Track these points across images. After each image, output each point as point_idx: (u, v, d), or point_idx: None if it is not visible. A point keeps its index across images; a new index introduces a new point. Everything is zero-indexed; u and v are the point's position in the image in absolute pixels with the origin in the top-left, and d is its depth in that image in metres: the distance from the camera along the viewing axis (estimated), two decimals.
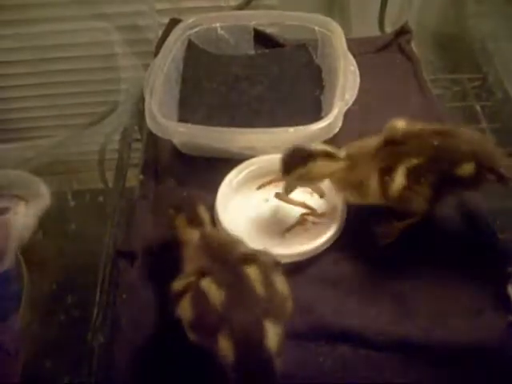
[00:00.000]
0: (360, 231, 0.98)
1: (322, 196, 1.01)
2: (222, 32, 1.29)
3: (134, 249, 0.97)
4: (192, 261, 0.81)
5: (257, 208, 1.03)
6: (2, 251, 1.03)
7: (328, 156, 0.91)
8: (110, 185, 1.22)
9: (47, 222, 1.12)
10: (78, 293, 1.06)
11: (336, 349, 0.85)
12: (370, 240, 0.96)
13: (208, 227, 0.87)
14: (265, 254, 0.80)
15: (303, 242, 0.95)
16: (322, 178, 0.94)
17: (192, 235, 0.85)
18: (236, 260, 0.78)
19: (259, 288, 0.75)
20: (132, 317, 0.89)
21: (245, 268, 0.76)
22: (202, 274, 0.76)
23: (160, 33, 1.36)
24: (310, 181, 0.94)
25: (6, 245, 1.02)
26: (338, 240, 0.96)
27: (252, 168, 1.05)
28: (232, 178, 1.03)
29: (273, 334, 0.72)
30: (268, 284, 0.75)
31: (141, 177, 1.10)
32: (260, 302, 0.74)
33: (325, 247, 0.94)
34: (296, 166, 0.89)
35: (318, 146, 0.92)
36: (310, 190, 1.04)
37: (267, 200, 1.04)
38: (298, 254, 0.93)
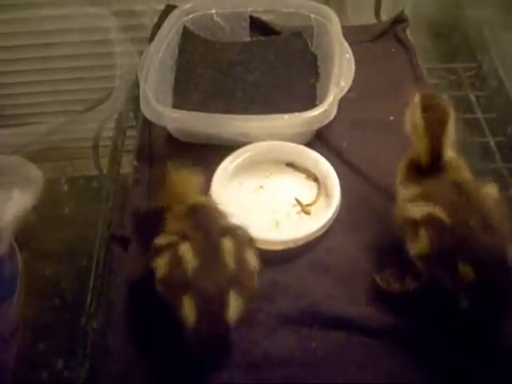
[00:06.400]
0: (353, 219, 0.98)
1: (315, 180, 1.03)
2: (218, 19, 1.28)
3: (127, 233, 0.97)
4: (177, 221, 0.87)
5: (251, 194, 1.04)
6: None
7: None
8: (105, 171, 1.22)
9: (42, 208, 1.12)
10: (71, 277, 1.07)
11: (329, 334, 0.86)
12: (363, 228, 0.97)
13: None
14: (242, 229, 0.85)
15: (296, 229, 0.96)
16: None
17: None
18: (216, 231, 0.83)
19: (229, 261, 0.80)
20: (126, 301, 0.89)
21: (222, 240, 0.82)
22: (184, 236, 0.82)
23: (155, 19, 1.35)
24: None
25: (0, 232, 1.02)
26: (331, 228, 0.96)
27: (247, 155, 1.05)
28: (227, 164, 1.03)
29: (235, 305, 0.78)
30: (239, 257, 0.81)
31: (135, 163, 1.10)
32: (227, 274, 0.79)
33: (318, 234, 0.95)
34: None
35: None
36: (304, 175, 1.05)
37: (262, 187, 1.05)
38: (292, 241, 0.93)
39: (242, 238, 0.83)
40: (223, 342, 0.79)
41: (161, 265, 0.81)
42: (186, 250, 0.80)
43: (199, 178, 0.92)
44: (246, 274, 0.81)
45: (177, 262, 0.80)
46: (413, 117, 0.86)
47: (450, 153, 0.85)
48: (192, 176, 0.92)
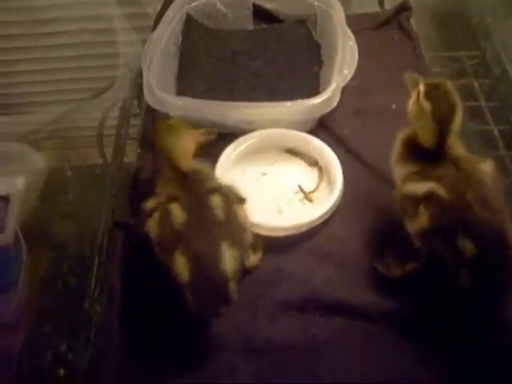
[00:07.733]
0: (355, 206, 0.99)
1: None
2: (221, 6, 1.28)
3: (131, 220, 0.97)
4: (167, 185, 0.87)
5: (254, 181, 1.04)
6: (2, 227, 1.03)
7: None
8: (109, 160, 1.23)
9: (46, 196, 1.13)
10: (76, 263, 1.08)
11: (330, 320, 0.87)
12: (365, 215, 0.98)
13: None
14: (232, 189, 0.86)
15: (299, 216, 0.96)
16: None
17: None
18: (205, 190, 0.83)
19: (219, 213, 0.81)
20: (128, 288, 0.90)
21: (210, 196, 0.82)
22: (172, 197, 0.83)
23: (159, 7, 1.35)
24: None
25: (5, 220, 1.03)
26: (333, 214, 0.97)
27: (250, 142, 1.05)
28: (230, 151, 1.04)
29: (229, 257, 0.78)
30: (228, 211, 0.82)
31: (139, 150, 1.11)
32: (218, 226, 0.80)
33: (320, 221, 0.95)
34: None
35: None
36: (307, 162, 1.05)
37: (264, 174, 1.05)
38: (294, 228, 0.94)
39: (231, 196, 0.84)
40: (221, 293, 0.78)
41: (152, 226, 0.82)
42: (173, 207, 0.81)
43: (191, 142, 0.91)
44: (237, 228, 0.82)
45: (166, 219, 0.81)
46: (419, 103, 0.85)
47: (453, 139, 0.85)
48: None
